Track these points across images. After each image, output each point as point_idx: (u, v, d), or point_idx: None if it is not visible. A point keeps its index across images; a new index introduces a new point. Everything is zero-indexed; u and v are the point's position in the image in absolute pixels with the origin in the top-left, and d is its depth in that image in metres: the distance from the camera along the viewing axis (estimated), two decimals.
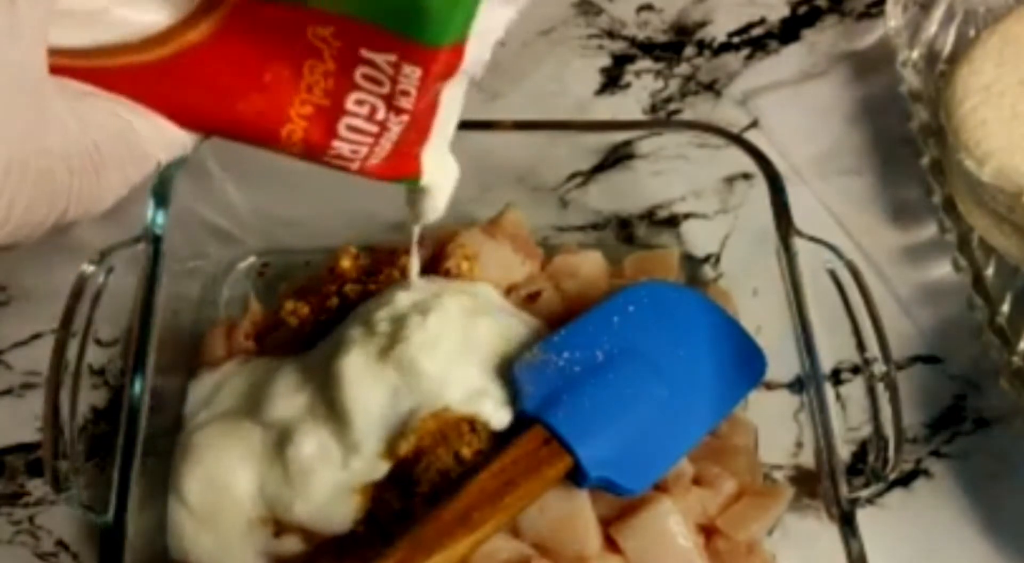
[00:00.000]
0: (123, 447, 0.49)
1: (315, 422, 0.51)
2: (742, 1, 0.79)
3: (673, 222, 0.65)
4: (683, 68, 0.76)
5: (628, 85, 0.75)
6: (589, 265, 0.60)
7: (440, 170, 0.44)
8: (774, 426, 0.57)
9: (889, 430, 0.51)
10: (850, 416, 0.59)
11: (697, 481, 0.53)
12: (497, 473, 0.48)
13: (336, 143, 0.38)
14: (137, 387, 0.51)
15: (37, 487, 0.58)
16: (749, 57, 0.77)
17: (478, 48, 0.38)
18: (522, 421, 0.50)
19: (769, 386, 0.57)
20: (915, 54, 0.70)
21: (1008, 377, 0.58)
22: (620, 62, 0.76)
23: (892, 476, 0.50)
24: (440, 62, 0.37)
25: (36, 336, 0.62)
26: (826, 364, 0.54)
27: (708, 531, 0.52)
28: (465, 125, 0.60)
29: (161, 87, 0.35)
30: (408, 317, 0.52)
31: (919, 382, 0.63)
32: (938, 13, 0.71)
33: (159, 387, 0.53)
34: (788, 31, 0.78)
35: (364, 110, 0.38)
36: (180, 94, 0.35)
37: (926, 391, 0.62)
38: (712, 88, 0.75)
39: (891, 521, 0.58)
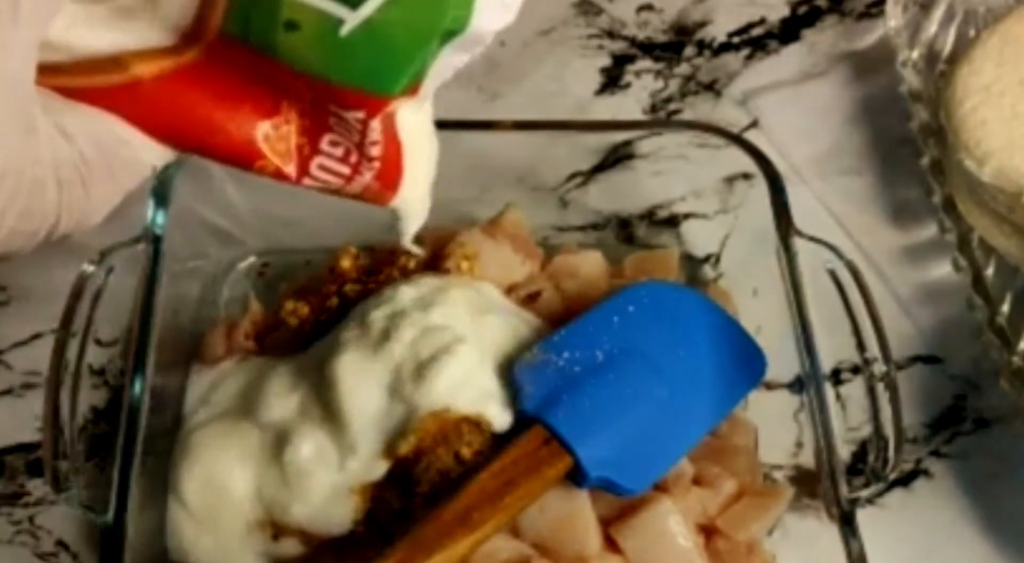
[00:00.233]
0: (123, 447, 0.49)
1: (311, 424, 0.51)
2: (742, 1, 0.79)
3: (673, 222, 0.65)
4: (683, 68, 0.76)
5: (628, 85, 0.75)
6: (589, 265, 0.60)
7: (413, 196, 0.44)
8: (774, 426, 0.57)
9: (889, 430, 0.51)
10: (850, 416, 0.59)
11: (697, 481, 0.53)
12: (497, 473, 0.48)
13: (307, 181, 0.39)
14: (137, 387, 0.51)
15: (37, 487, 0.58)
16: (749, 57, 0.77)
17: (430, 86, 0.39)
18: (522, 421, 0.50)
19: (769, 386, 0.57)
20: (915, 54, 0.70)
21: (1008, 377, 0.58)
22: (620, 62, 0.76)
23: (892, 476, 0.50)
24: (393, 104, 0.38)
25: (36, 336, 0.62)
26: (826, 364, 0.54)
27: (708, 531, 0.52)
28: (465, 125, 0.60)
29: (138, 108, 0.35)
30: (408, 313, 0.52)
31: (919, 382, 0.63)
32: (938, 13, 0.71)
33: (159, 387, 0.53)
34: (788, 31, 0.78)
35: (338, 152, 0.39)
36: (157, 117, 0.36)
37: (926, 391, 0.62)
38: (712, 88, 0.75)
39: (891, 521, 0.58)
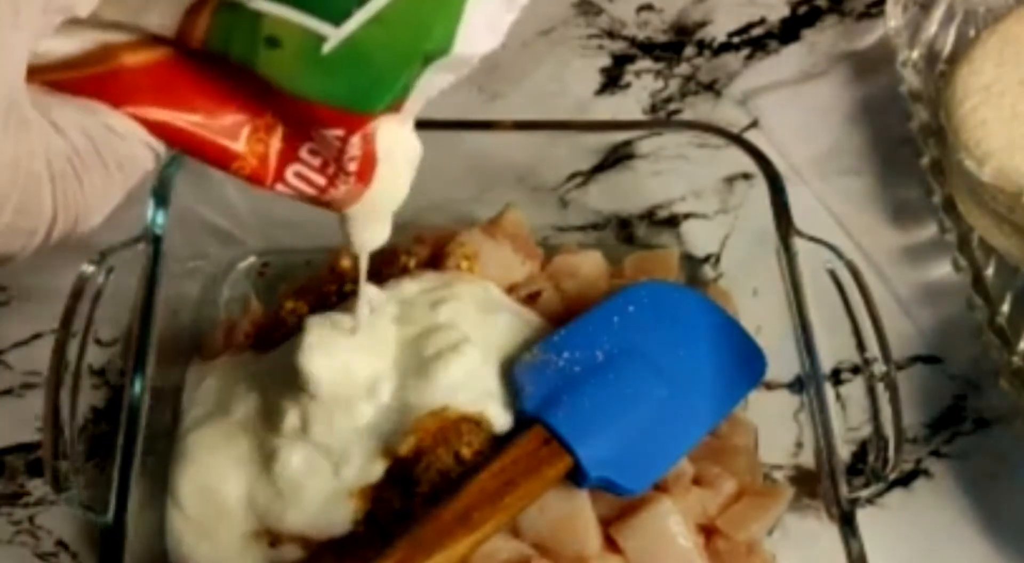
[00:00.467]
0: (123, 447, 0.49)
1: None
2: (742, 1, 0.79)
3: (673, 222, 0.65)
4: (683, 68, 0.76)
5: (628, 85, 0.75)
6: (589, 265, 0.60)
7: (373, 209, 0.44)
8: (774, 426, 0.57)
9: (889, 430, 0.51)
10: (850, 416, 0.59)
11: (697, 481, 0.53)
12: (497, 473, 0.48)
13: (280, 186, 0.39)
14: (137, 387, 0.51)
15: (37, 487, 0.58)
16: (749, 57, 0.77)
17: (414, 104, 0.38)
18: (522, 421, 0.50)
19: (769, 386, 0.57)
20: (915, 54, 0.70)
21: (1008, 377, 0.58)
22: (620, 62, 0.76)
23: (892, 476, 0.50)
24: (373, 122, 0.38)
25: (36, 336, 0.62)
26: (826, 364, 0.54)
27: (708, 531, 0.52)
28: (465, 125, 0.60)
29: (122, 94, 0.35)
30: (415, 306, 0.52)
31: (919, 382, 0.63)
32: (938, 13, 0.71)
33: (159, 387, 0.53)
34: (788, 31, 0.78)
35: (316, 161, 0.38)
36: (140, 102, 0.35)
37: (926, 391, 0.62)
38: (712, 88, 0.75)
39: (891, 521, 0.58)
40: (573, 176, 0.65)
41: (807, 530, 0.53)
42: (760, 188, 0.58)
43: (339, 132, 0.37)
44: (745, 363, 0.56)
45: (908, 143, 0.70)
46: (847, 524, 0.49)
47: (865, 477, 0.51)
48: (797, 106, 0.74)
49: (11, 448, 0.59)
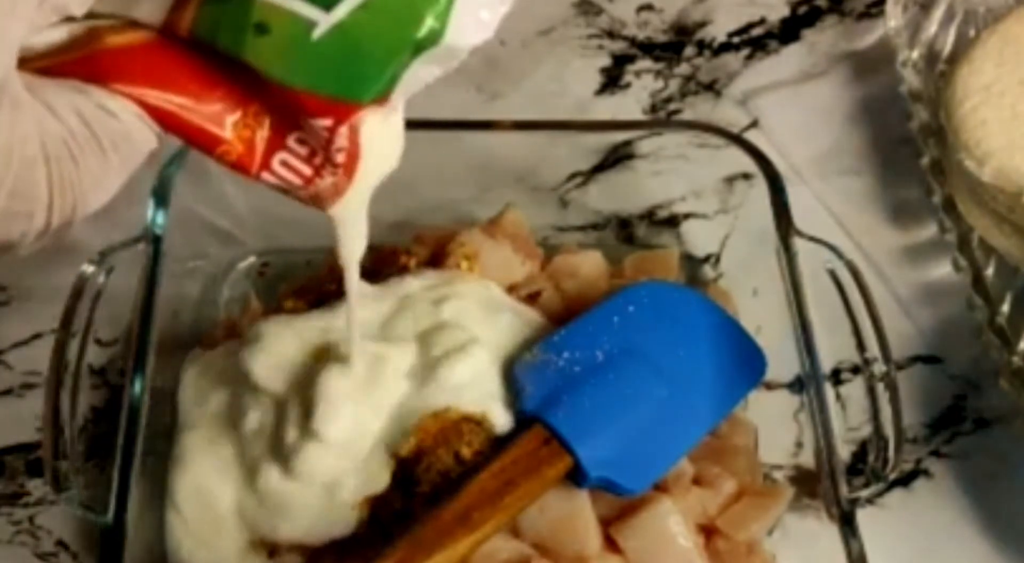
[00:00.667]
0: (123, 447, 0.49)
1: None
2: (742, 1, 0.79)
3: (673, 222, 0.65)
4: (683, 68, 0.76)
5: (628, 85, 0.75)
6: (589, 265, 0.60)
7: (353, 208, 0.43)
8: (774, 426, 0.57)
9: (889, 430, 0.51)
10: (850, 416, 0.59)
11: (697, 481, 0.53)
12: (497, 473, 0.48)
13: (265, 175, 0.38)
14: (137, 387, 0.51)
15: (37, 487, 0.58)
16: (749, 57, 0.77)
17: (400, 97, 0.38)
18: (522, 421, 0.50)
19: (769, 386, 0.57)
20: (915, 54, 0.70)
21: (1008, 377, 0.58)
22: (620, 62, 0.76)
23: (892, 476, 0.50)
24: (361, 113, 0.37)
25: (36, 336, 0.62)
26: (826, 364, 0.54)
27: (708, 531, 0.52)
28: (465, 125, 0.60)
29: (111, 71, 0.35)
30: (417, 302, 0.52)
31: (919, 382, 0.63)
32: (938, 13, 0.71)
33: (159, 387, 0.53)
34: (788, 31, 0.78)
35: (303, 151, 0.38)
36: (130, 79, 0.35)
37: (926, 391, 0.62)
38: (712, 88, 0.75)
39: (891, 521, 0.58)
40: (573, 176, 0.65)
41: (807, 530, 0.53)
42: (760, 188, 0.58)
43: (327, 122, 0.36)
44: (745, 363, 0.56)
45: (908, 143, 0.70)
46: (847, 524, 0.49)
47: (865, 477, 0.51)
48: (797, 106, 0.74)
49: (11, 448, 0.59)
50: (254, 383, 0.51)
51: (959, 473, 0.60)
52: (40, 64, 0.34)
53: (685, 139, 0.62)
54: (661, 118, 0.73)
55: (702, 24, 0.78)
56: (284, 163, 0.38)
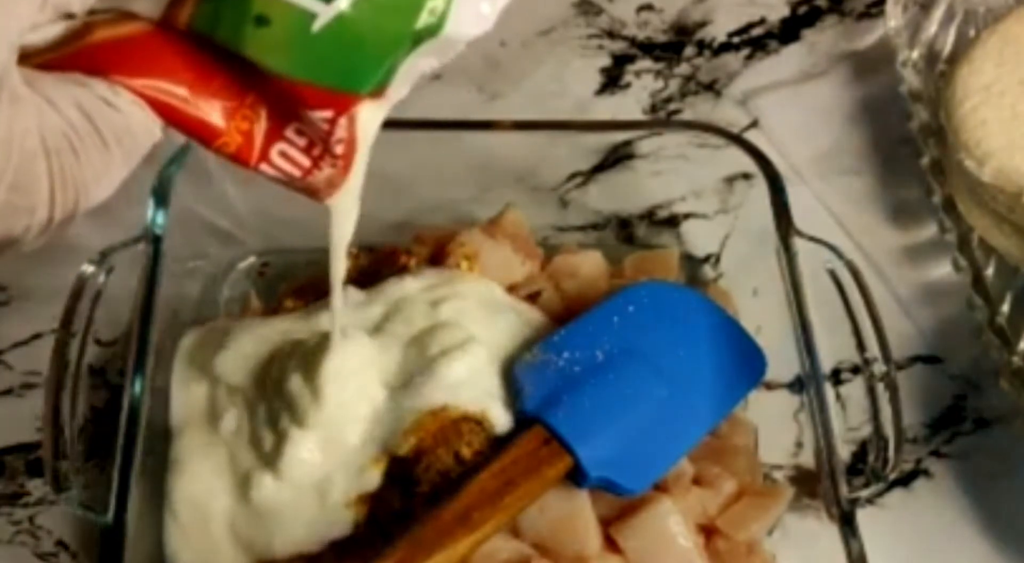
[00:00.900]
0: (123, 447, 0.49)
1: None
2: (742, 1, 0.79)
3: (673, 222, 0.65)
4: (683, 68, 0.76)
5: (628, 85, 0.75)
6: (589, 265, 0.60)
7: (349, 199, 0.43)
8: (774, 426, 0.57)
9: (889, 430, 0.51)
10: (850, 416, 0.59)
11: (697, 481, 0.53)
12: (497, 473, 0.48)
13: (264, 166, 0.38)
14: (137, 387, 0.51)
15: (37, 487, 0.58)
16: (749, 57, 0.77)
17: (396, 89, 0.38)
18: (522, 421, 0.50)
19: (769, 386, 0.57)
20: (915, 54, 0.70)
21: (1008, 377, 0.58)
22: (620, 62, 0.76)
23: (892, 476, 0.50)
24: (360, 104, 0.37)
25: (36, 336, 0.62)
26: (826, 364, 0.54)
27: (708, 531, 0.52)
28: (465, 125, 0.60)
29: (108, 63, 0.35)
30: (415, 303, 0.52)
31: (919, 382, 0.63)
32: (938, 13, 0.71)
33: (159, 387, 0.52)
34: (788, 31, 0.78)
35: (302, 142, 0.38)
36: (128, 71, 0.35)
37: (926, 391, 0.62)
38: (712, 88, 0.75)
39: (891, 521, 0.58)
40: (573, 176, 0.65)
41: (807, 530, 0.53)
42: (760, 188, 0.58)
43: (327, 113, 0.37)
44: (745, 363, 0.55)
45: (908, 143, 0.70)
46: (847, 524, 0.49)
47: (865, 477, 0.51)
48: (797, 106, 0.74)
49: (11, 448, 0.59)
50: (228, 383, 0.51)
51: (959, 473, 0.60)
52: (39, 59, 0.34)
53: (685, 139, 0.62)
54: (661, 118, 0.73)
55: (702, 24, 0.78)
56: (283, 154, 0.38)
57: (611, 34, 0.77)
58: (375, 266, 0.58)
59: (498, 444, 0.50)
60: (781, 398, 0.57)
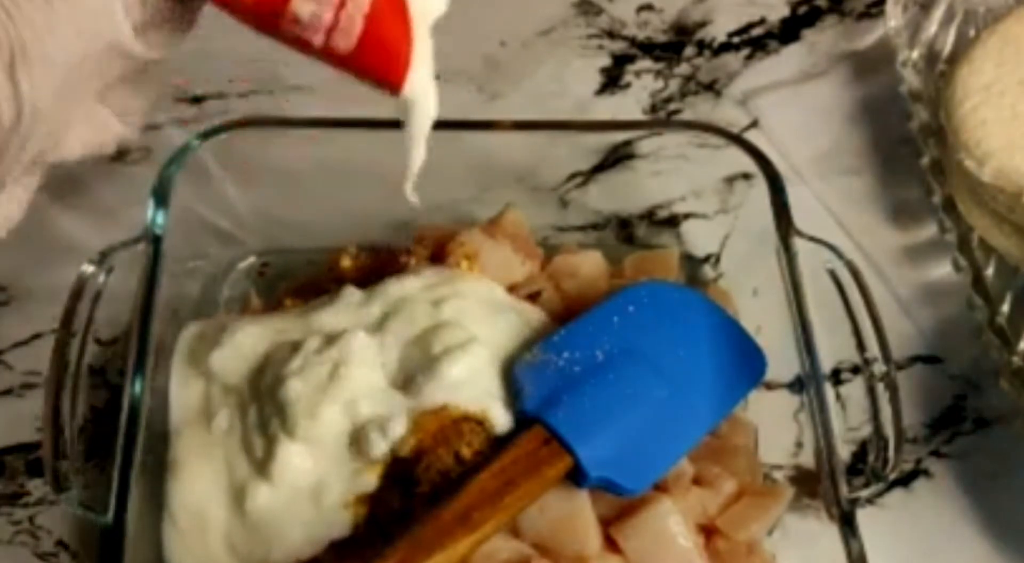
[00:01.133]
0: (123, 447, 0.49)
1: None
2: (742, 1, 0.79)
3: (673, 222, 0.65)
4: (683, 68, 0.76)
5: (628, 85, 0.75)
6: (589, 265, 0.60)
7: (424, 88, 0.41)
8: (774, 426, 0.57)
9: (889, 430, 0.51)
10: (850, 416, 0.59)
11: (697, 481, 0.53)
12: (497, 473, 0.48)
13: (295, 2, 0.37)
14: (137, 387, 0.51)
15: (37, 487, 0.58)
16: (749, 57, 0.77)
17: None
18: (522, 421, 0.50)
19: (769, 386, 0.57)
20: (915, 54, 0.70)
21: (1008, 377, 0.58)
22: (620, 62, 0.76)
23: (892, 476, 0.50)
24: None
25: (36, 336, 0.62)
26: (826, 364, 0.54)
27: (708, 531, 0.52)
28: (465, 125, 0.60)
29: None
30: (416, 302, 0.52)
31: (919, 382, 0.63)
32: (938, 13, 0.71)
33: (159, 387, 0.52)
34: (788, 31, 0.78)
35: None
36: None
37: (926, 391, 0.62)
38: (712, 88, 0.75)
39: (891, 521, 0.58)
40: (573, 176, 0.65)
41: (807, 530, 0.53)
42: (760, 188, 0.58)
43: None
44: (745, 363, 0.55)
45: (908, 143, 0.70)
46: (847, 524, 0.49)
47: (865, 477, 0.51)
48: (797, 106, 0.74)
49: (11, 448, 0.59)
50: (222, 382, 0.51)
51: (959, 473, 0.60)
52: None
53: (685, 139, 0.62)
54: (661, 118, 0.73)
55: (702, 24, 0.78)
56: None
57: (611, 34, 0.77)
58: (375, 266, 0.58)
59: (498, 444, 0.50)
60: (781, 398, 0.57)
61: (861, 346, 0.54)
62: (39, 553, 0.56)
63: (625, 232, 0.66)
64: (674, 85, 0.75)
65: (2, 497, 0.58)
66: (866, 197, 0.70)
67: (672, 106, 0.74)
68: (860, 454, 0.57)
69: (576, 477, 0.49)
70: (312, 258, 0.62)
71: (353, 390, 0.49)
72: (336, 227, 0.61)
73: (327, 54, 0.38)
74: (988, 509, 0.59)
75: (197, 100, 0.72)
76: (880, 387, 0.52)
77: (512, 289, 0.58)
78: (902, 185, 0.70)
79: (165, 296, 0.54)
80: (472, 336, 0.51)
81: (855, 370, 0.57)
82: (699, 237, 0.65)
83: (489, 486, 0.47)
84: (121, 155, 0.68)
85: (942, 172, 0.66)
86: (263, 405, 0.50)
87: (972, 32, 0.71)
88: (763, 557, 0.53)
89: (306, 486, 0.49)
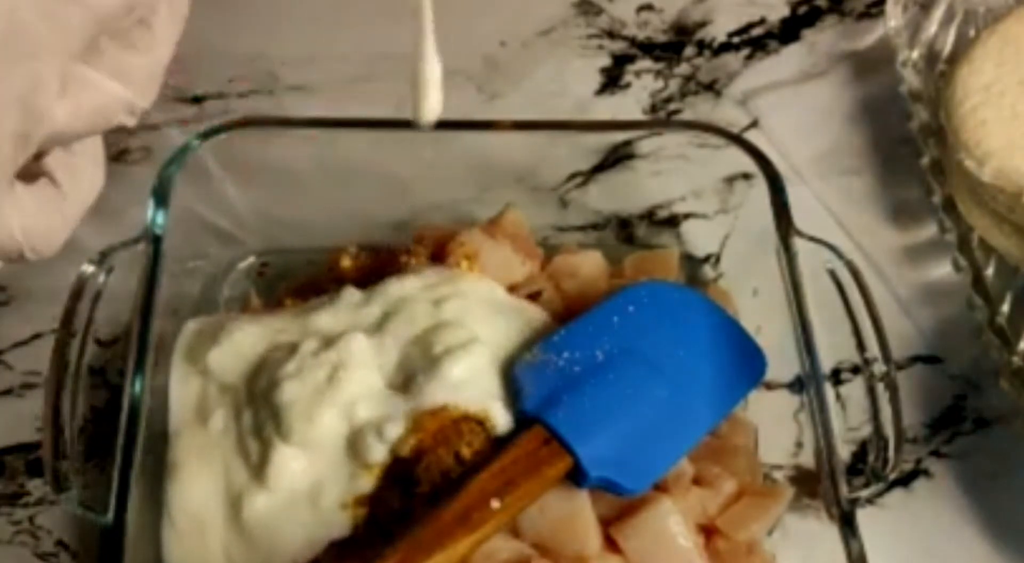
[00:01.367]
0: (123, 447, 0.49)
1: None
2: (742, 1, 0.79)
3: (673, 222, 0.65)
4: (683, 68, 0.76)
5: (628, 85, 0.75)
6: (589, 265, 0.60)
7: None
8: (774, 426, 0.57)
9: (889, 430, 0.51)
10: (850, 416, 0.59)
11: (697, 481, 0.53)
12: (497, 473, 0.48)
13: None
14: (137, 387, 0.51)
15: (37, 487, 0.58)
16: (749, 57, 0.77)
17: None
18: (522, 421, 0.50)
19: (769, 386, 0.57)
20: (915, 54, 0.70)
21: (1008, 377, 0.58)
22: (620, 62, 0.76)
23: (892, 476, 0.50)
24: None
25: (36, 336, 0.62)
26: (826, 364, 0.54)
27: (708, 531, 0.52)
28: (465, 125, 0.60)
29: None
30: (417, 301, 0.51)
31: (919, 382, 0.63)
32: (938, 13, 0.71)
33: (159, 387, 0.52)
34: (788, 31, 0.78)
35: None
36: None
37: (926, 391, 0.62)
38: (712, 88, 0.75)
39: (891, 521, 0.58)
40: (573, 176, 0.65)
41: (807, 530, 0.53)
42: (760, 188, 0.58)
43: None
44: (745, 363, 0.55)
45: (908, 143, 0.70)
46: (847, 524, 0.49)
47: (865, 477, 0.51)
48: (797, 106, 0.74)
49: (11, 448, 0.59)
50: (219, 381, 0.51)
51: (959, 473, 0.60)
52: None
53: (685, 139, 0.62)
54: (661, 118, 0.73)
55: (702, 24, 0.78)
56: None
57: (611, 34, 0.77)
58: (375, 266, 0.58)
59: (498, 444, 0.50)
60: (781, 398, 0.57)
61: (861, 346, 0.54)
62: (39, 553, 0.56)
63: (625, 232, 0.66)
64: (674, 85, 0.75)
65: (2, 497, 0.58)
66: (866, 197, 0.70)
67: (672, 106, 0.74)
68: (860, 454, 0.57)
69: (576, 477, 0.49)
70: (312, 258, 0.62)
71: (351, 393, 0.49)
72: (336, 227, 0.61)
73: None
74: (988, 509, 0.59)
75: (197, 100, 0.72)
76: (880, 387, 0.52)
77: (512, 289, 0.58)
78: (902, 185, 0.70)
79: (165, 296, 0.54)
80: (473, 336, 0.51)
81: (855, 370, 0.57)
82: (699, 237, 0.65)
83: (489, 486, 0.47)
84: (121, 155, 0.68)
85: (942, 172, 0.66)
86: (258, 408, 0.50)
87: (972, 32, 0.71)
88: (763, 557, 0.53)
89: (303, 488, 0.49)
